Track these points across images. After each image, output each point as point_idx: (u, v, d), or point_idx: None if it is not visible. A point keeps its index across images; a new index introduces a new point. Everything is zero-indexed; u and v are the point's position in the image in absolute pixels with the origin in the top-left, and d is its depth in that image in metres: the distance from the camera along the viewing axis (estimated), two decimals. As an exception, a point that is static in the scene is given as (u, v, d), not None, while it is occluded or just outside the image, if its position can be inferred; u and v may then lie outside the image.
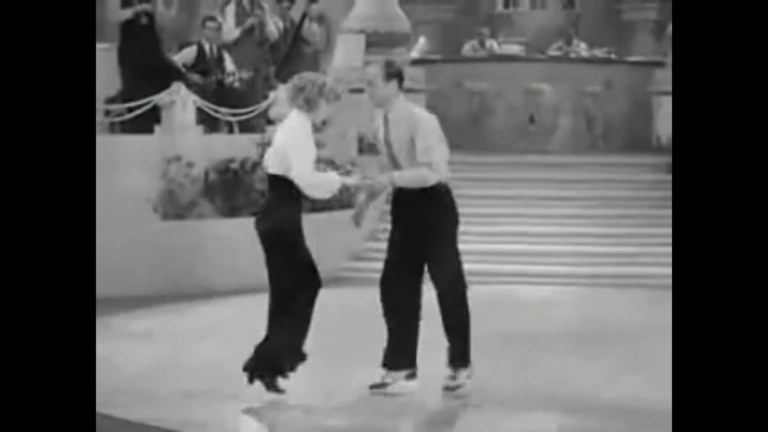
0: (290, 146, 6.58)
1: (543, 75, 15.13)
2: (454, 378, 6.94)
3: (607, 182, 13.44)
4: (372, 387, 6.99)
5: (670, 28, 14.58)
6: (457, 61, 16.32)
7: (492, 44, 17.10)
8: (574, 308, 10.44)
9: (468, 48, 17.12)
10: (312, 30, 14.42)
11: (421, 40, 18.28)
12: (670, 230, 12.68)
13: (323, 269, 12.26)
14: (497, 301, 10.66)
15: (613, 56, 16.59)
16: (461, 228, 7.09)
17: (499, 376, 7.55)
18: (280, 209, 6.67)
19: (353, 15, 14.57)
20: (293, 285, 6.80)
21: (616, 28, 19.20)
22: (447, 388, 6.93)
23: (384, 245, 12.58)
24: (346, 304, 10.62)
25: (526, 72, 15.34)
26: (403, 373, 7.02)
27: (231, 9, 14.33)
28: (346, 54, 14.24)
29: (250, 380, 6.79)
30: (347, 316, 10.04)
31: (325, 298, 11.03)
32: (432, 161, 6.73)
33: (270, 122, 12.56)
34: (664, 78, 14.48)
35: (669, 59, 14.69)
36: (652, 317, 9.94)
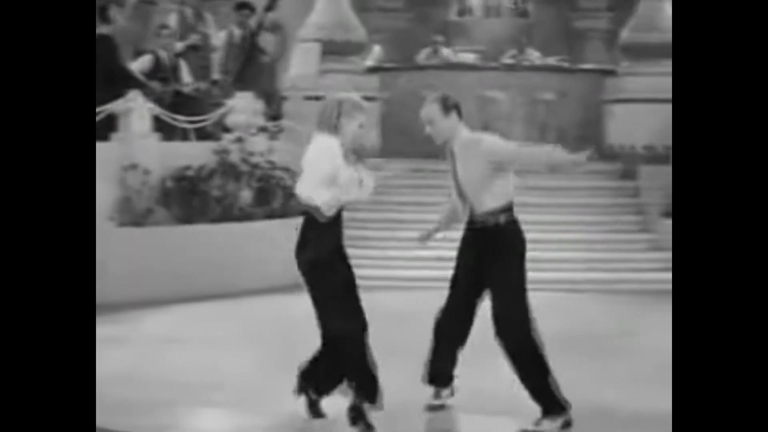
0: (306, 169, 6.43)
1: (497, 83, 15.23)
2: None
3: (561, 190, 13.58)
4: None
5: (621, 36, 14.76)
6: (411, 69, 16.36)
7: (446, 52, 17.20)
8: (545, 315, 10.43)
9: (422, 56, 17.22)
10: (267, 39, 14.48)
11: (376, 48, 18.32)
12: (629, 236, 12.95)
13: (284, 277, 12.28)
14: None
15: (566, 65, 16.72)
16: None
17: (486, 382, 7.48)
18: (312, 240, 6.45)
19: (309, 23, 14.61)
20: (334, 321, 6.45)
21: (569, 36, 19.39)
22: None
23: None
24: (307, 312, 10.61)
25: (479, 80, 15.37)
26: None
27: (173, 19, 14.33)
28: (302, 63, 14.31)
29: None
30: (308, 324, 10.03)
31: (287, 305, 10.99)
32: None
33: (226, 130, 12.60)
34: (616, 86, 14.65)
35: (621, 68, 14.87)
36: (626, 322, 10.22)
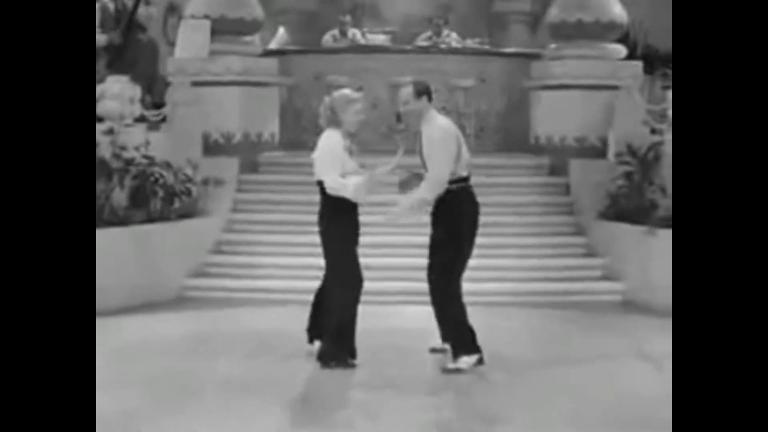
0: (319, 160, 7.85)
1: (410, 68, 13.61)
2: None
3: (479, 187, 12.00)
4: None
5: (549, 14, 13.33)
6: (316, 52, 14.82)
7: (354, 33, 15.67)
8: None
9: (328, 38, 15.64)
10: (148, 14, 12.81)
11: (281, 30, 16.92)
12: (561, 240, 11.52)
13: (160, 288, 10.73)
14: (394, 320, 9.33)
15: (486, 48, 15.31)
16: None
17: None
18: (324, 211, 7.90)
19: (198, -2, 12.97)
20: (337, 276, 7.89)
21: (489, 17, 18.00)
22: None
23: (229, 259, 11.27)
24: (188, 332, 9.17)
25: (391, 64, 13.84)
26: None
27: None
28: (190, 42, 12.62)
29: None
30: (189, 348, 8.60)
31: (162, 323, 9.63)
32: (433, 173, 7.81)
33: (98, 119, 10.95)
34: (543, 71, 13.24)
35: (548, 50, 13.50)
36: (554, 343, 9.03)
